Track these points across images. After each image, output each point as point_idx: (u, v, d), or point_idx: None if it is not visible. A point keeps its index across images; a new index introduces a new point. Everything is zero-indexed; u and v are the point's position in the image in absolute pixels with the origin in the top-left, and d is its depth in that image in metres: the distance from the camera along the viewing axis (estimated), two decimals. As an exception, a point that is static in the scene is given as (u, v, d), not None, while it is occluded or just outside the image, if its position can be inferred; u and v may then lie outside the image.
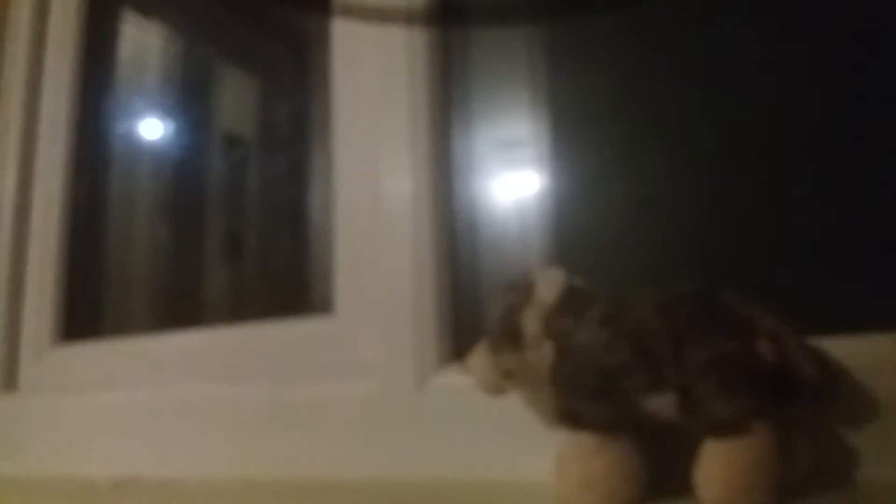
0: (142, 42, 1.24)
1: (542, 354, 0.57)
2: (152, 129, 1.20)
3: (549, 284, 0.59)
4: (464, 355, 0.64)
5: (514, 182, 0.83)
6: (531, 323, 0.57)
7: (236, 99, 1.16)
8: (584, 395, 0.55)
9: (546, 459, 0.58)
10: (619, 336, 0.54)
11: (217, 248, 1.11)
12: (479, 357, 0.62)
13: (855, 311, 0.62)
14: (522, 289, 0.59)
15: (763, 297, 0.54)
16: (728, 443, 0.50)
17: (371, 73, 0.86)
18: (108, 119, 1.20)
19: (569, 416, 0.56)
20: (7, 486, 0.93)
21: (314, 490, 0.73)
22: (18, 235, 1.14)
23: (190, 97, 1.18)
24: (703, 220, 0.72)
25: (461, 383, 0.67)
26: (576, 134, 0.81)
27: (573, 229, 0.79)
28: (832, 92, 0.68)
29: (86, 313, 1.13)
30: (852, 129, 0.67)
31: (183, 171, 1.15)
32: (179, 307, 1.11)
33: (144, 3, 1.24)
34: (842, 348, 0.56)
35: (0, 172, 1.16)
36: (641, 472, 0.55)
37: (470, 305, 0.79)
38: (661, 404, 0.52)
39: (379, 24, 0.85)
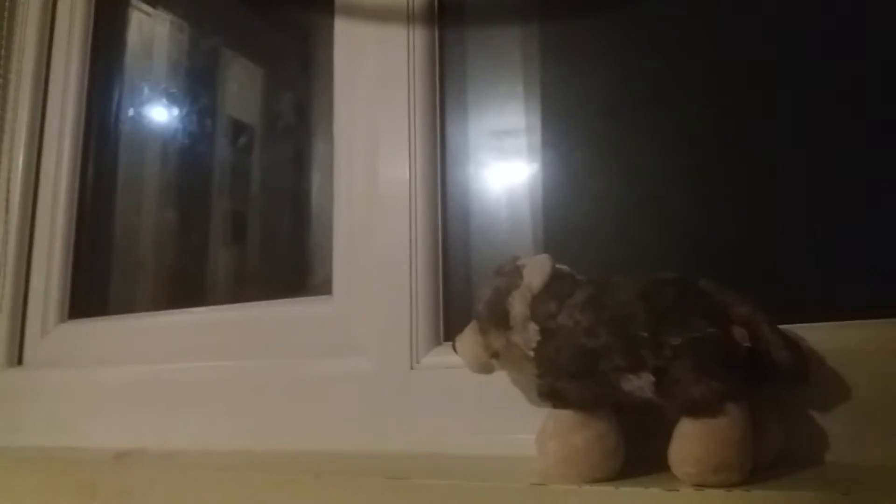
0: (149, 30, 1.25)
1: (527, 336, 0.59)
2: (160, 114, 1.22)
3: (536, 269, 0.61)
4: (454, 336, 0.67)
5: (506, 171, 0.85)
6: (518, 305, 0.60)
7: (242, 87, 1.18)
8: (566, 375, 0.57)
9: (530, 435, 0.60)
10: (600, 319, 0.56)
11: (221, 230, 1.12)
12: (468, 338, 0.64)
13: (827, 300, 0.64)
14: (511, 273, 0.62)
15: (741, 285, 0.56)
16: (702, 423, 0.51)
17: (371, 65, 0.88)
18: (115, 104, 1.21)
19: (551, 394, 0.58)
20: (12, 458, 0.95)
21: (311, 462, 0.75)
22: (27, 215, 1.15)
23: (196, 85, 1.19)
24: (688, 209, 0.74)
25: (451, 363, 0.70)
26: (567, 125, 0.82)
27: (562, 217, 0.80)
28: (824, 87, 0.70)
29: (92, 292, 1.15)
30: (841, 126, 0.68)
31: (189, 156, 1.17)
32: (184, 287, 1.12)
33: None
34: (814, 335, 0.58)
35: (9, 154, 1.17)
36: (620, 448, 0.56)
37: (460, 289, 0.81)
38: (639, 384, 0.54)
39: (379, 20, 0.87)
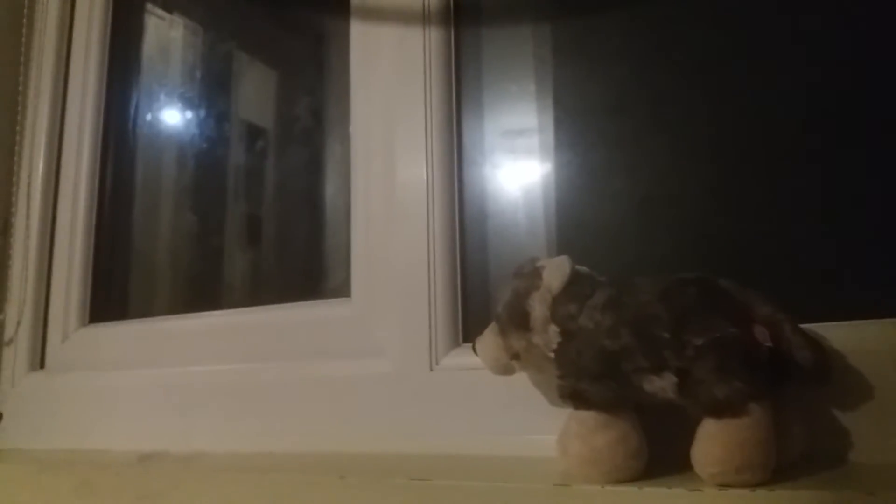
0: (165, 35, 1.26)
1: (548, 337, 0.59)
2: (176, 118, 1.23)
3: (556, 270, 0.61)
4: (473, 337, 0.67)
5: (522, 171, 0.85)
6: (538, 307, 0.60)
7: (257, 91, 1.18)
8: (588, 376, 0.57)
9: (551, 436, 0.60)
10: (621, 320, 0.56)
11: (238, 234, 1.13)
12: (488, 339, 0.65)
13: (848, 299, 0.64)
14: (530, 274, 0.62)
15: (761, 284, 0.55)
16: (725, 423, 0.51)
17: (387, 67, 0.88)
18: (133, 109, 1.22)
19: (573, 395, 0.58)
20: (36, 462, 0.96)
21: (332, 463, 0.75)
22: (47, 221, 1.16)
23: (212, 89, 1.20)
24: (703, 209, 0.74)
25: (471, 364, 0.70)
26: (581, 125, 0.82)
27: (578, 217, 0.80)
28: (831, 86, 0.69)
29: (111, 296, 1.16)
30: (848, 124, 0.68)
31: (205, 160, 1.17)
32: (202, 290, 1.13)
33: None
34: (836, 334, 0.58)
35: (29, 160, 1.18)
36: (642, 448, 0.57)
37: (479, 289, 0.81)
38: (661, 385, 0.54)
39: (395, 21, 0.88)
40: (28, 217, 1.16)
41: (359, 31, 0.93)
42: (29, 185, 1.17)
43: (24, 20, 1.21)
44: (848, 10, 0.70)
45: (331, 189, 1.02)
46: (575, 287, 0.60)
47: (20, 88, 1.19)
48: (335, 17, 0.97)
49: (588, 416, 0.57)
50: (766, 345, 0.52)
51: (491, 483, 0.59)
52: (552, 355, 0.60)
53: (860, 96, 0.68)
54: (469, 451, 0.73)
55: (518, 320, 0.61)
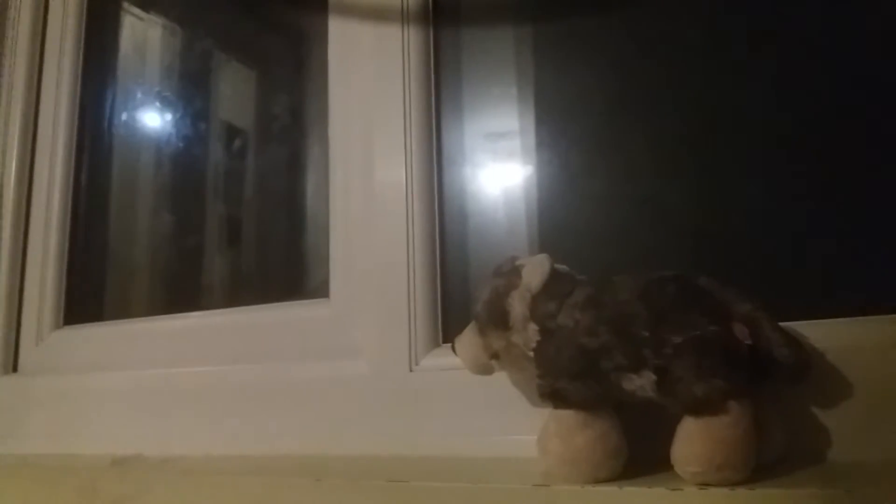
0: (142, 34, 1.24)
1: (527, 336, 0.59)
2: (153, 118, 1.21)
3: (535, 269, 0.60)
4: (453, 338, 0.67)
5: (501, 173, 0.85)
6: (517, 305, 0.59)
7: (236, 91, 1.17)
8: (567, 375, 0.56)
9: (531, 436, 0.59)
10: (600, 318, 0.55)
11: (216, 234, 1.12)
12: (468, 339, 0.64)
13: (827, 297, 0.64)
14: (510, 273, 0.61)
15: (741, 283, 0.55)
16: (705, 421, 0.51)
17: (366, 67, 0.88)
18: (109, 108, 1.21)
19: (552, 394, 0.57)
20: (8, 466, 0.94)
21: (310, 466, 0.74)
22: (20, 221, 1.15)
23: (190, 88, 1.18)
24: (683, 208, 0.74)
25: (450, 364, 0.70)
26: (561, 126, 0.82)
27: (558, 218, 0.80)
28: (821, 83, 0.70)
29: (86, 297, 1.14)
30: (821, 123, 0.69)
31: (183, 160, 1.16)
32: (179, 291, 1.11)
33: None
34: (815, 332, 0.58)
35: (2, 159, 1.16)
36: (622, 447, 0.56)
37: (459, 290, 0.81)
38: (641, 383, 0.53)
39: (374, 21, 0.87)
40: (0, 217, 1.14)
41: (337, 31, 0.93)
42: (1, 185, 1.16)
43: (-3, 18, 1.19)
44: (823, 9, 0.70)
45: (310, 189, 1.02)
46: (554, 285, 0.59)
47: (-8, 87, 1.18)
48: (314, 17, 0.97)
49: (567, 416, 0.57)
50: (746, 342, 0.52)
51: (470, 484, 0.59)
52: (531, 354, 0.59)
53: (849, 94, 0.68)
54: (449, 453, 0.72)
55: (497, 319, 0.60)
